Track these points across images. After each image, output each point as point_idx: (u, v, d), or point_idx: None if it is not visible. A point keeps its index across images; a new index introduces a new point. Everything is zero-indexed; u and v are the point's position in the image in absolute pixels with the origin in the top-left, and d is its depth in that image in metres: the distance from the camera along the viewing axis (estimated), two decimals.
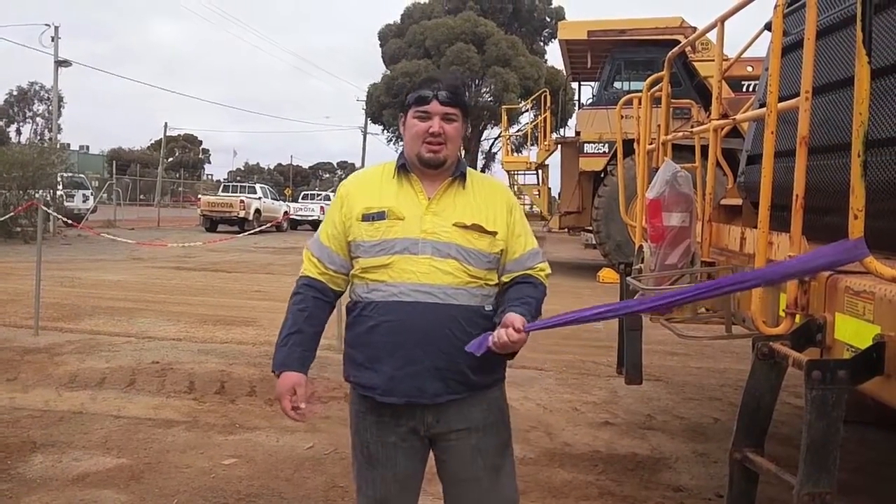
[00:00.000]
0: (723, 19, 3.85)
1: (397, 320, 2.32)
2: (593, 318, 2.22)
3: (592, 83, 19.04)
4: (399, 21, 44.41)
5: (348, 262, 2.48)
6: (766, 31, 4.23)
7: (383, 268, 2.35)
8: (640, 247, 4.56)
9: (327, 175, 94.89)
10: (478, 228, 2.37)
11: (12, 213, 18.23)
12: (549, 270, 2.55)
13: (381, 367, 2.35)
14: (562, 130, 20.65)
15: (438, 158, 2.37)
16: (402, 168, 2.45)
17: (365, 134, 57.00)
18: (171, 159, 72.84)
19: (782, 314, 2.69)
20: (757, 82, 9.05)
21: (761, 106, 3.66)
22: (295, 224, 35.76)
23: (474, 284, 2.36)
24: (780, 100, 2.83)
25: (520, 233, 2.48)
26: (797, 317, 2.61)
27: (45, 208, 10.51)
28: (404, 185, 2.43)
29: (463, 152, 2.53)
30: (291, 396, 2.35)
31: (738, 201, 4.80)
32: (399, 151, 2.55)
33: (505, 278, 2.47)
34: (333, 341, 8.09)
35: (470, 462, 2.41)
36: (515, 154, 26.18)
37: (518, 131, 29.62)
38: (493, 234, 2.39)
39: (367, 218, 2.39)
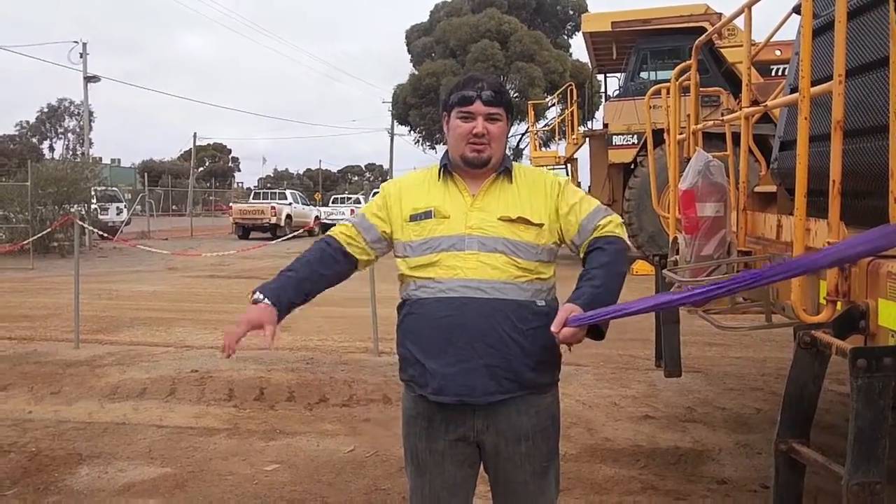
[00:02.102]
0: (750, 5, 3.81)
1: (446, 317, 2.31)
2: (639, 312, 2.19)
3: (618, 75, 18.91)
4: (426, 20, 44.56)
5: (382, 242, 2.50)
6: (794, 14, 4.18)
7: (431, 265, 2.35)
8: (675, 238, 4.53)
9: (356, 178, 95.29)
10: (524, 221, 2.35)
11: (49, 229, 18.51)
12: (618, 219, 2.44)
13: (432, 365, 2.33)
14: (589, 123, 20.48)
15: (482, 158, 2.36)
16: (446, 168, 2.45)
17: (392, 135, 57.16)
18: (201, 169, 73.55)
19: (823, 302, 2.65)
20: (786, 66, 8.93)
21: (793, 91, 3.62)
22: (326, 228, 35.82)
23: (524, 279, 2.33)
24: (813, 83, 2.79)
25: (571, 204, 2.41)
26: (838, 304, 2.58)
27: (80, 223, 10.65)
28: (449, 185, 2.43)
29: (512, 153, 2.52)
30: (247, 328, 2.35)
31: (773, 188, 4.74)
32: (444, 152, 2.53)
33: (581, 254, 2.42)
34: (369, 343, 8.14)
35: (519, 468, 2.39)
36: (543, 149, 26.11)
37: (545, 126, 29.52)
38: (540, 225, 2.36)
39: (415, 218, 2.41)
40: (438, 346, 2.32)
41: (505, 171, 2.42)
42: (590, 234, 2.39)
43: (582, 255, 2.42)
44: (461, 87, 2.40)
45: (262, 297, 2.36)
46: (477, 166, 2.38)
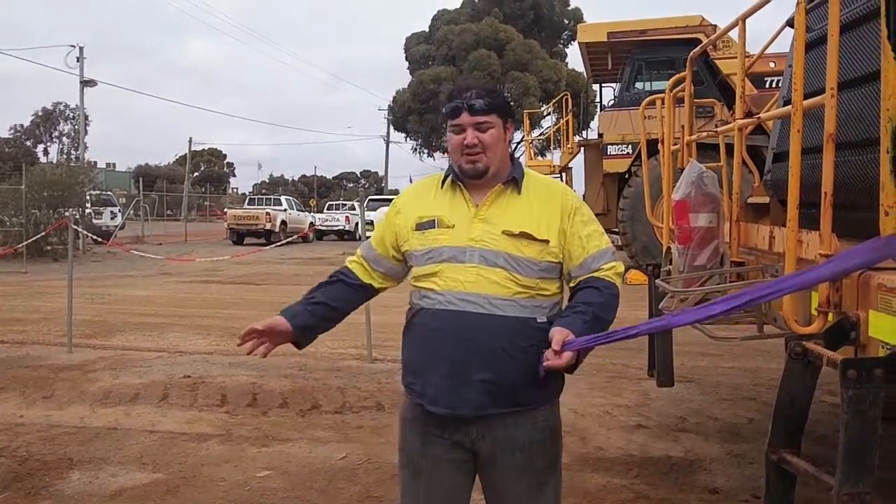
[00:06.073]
0: (744, 17, 3.83)
1: (443, 329, 2.29)
2: (637, 335, 2.20)
3: (614, 85, 18.98)
4: (427, 29, 44.68)
5: (396, 266, 2.53)
6: (787, 28, 4.22)
7: (432, 276, 2.33)
8: (668, 248, 4.55)
9: (351, 185, 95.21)
10: (526, 236, 2.30)
11: (44, 233, 18.46)
12: (621, 268, 2.41)
13: (428, 375, 2.33)
14: (584, 133, 20.60)
15: (478, 169, 2.32)
16: (452, 178, 2.41)
17: (388, 143, 57.18)
18: (196, 174, 73.40)
19: (814, 313, 2.67)
20: (780, 78, 8.97)
21: (786, 103, 3.64)
22: (321, 235, 35.89)
23: (524, 295, 2.29)
24: (806, 96, 2.81)
25: (581, 235, 2.37)
26: (830, 315, 2.59)
27: (74, 227, 10.63)
28: (456, 194, 2.39)
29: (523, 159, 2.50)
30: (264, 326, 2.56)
31: (766, 199, 4.77)
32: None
33: (572, 283, 2.40)
34: (363, 350, 8.13)
35: (514, 480, 2.36)
36: (538, 158, 26.16)
37: (540, 135, 29.60)
38: (545, 242, 2.31)
39: (420, 227, 2.38)
40: (435, 358, 2.31)
41: (513, 181, 2.37)
42: (590, 272, 2.37)
43: (572, 286, 2.40)
44: (450, 99, 2.37)
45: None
46: (474, 177, 2.34)
